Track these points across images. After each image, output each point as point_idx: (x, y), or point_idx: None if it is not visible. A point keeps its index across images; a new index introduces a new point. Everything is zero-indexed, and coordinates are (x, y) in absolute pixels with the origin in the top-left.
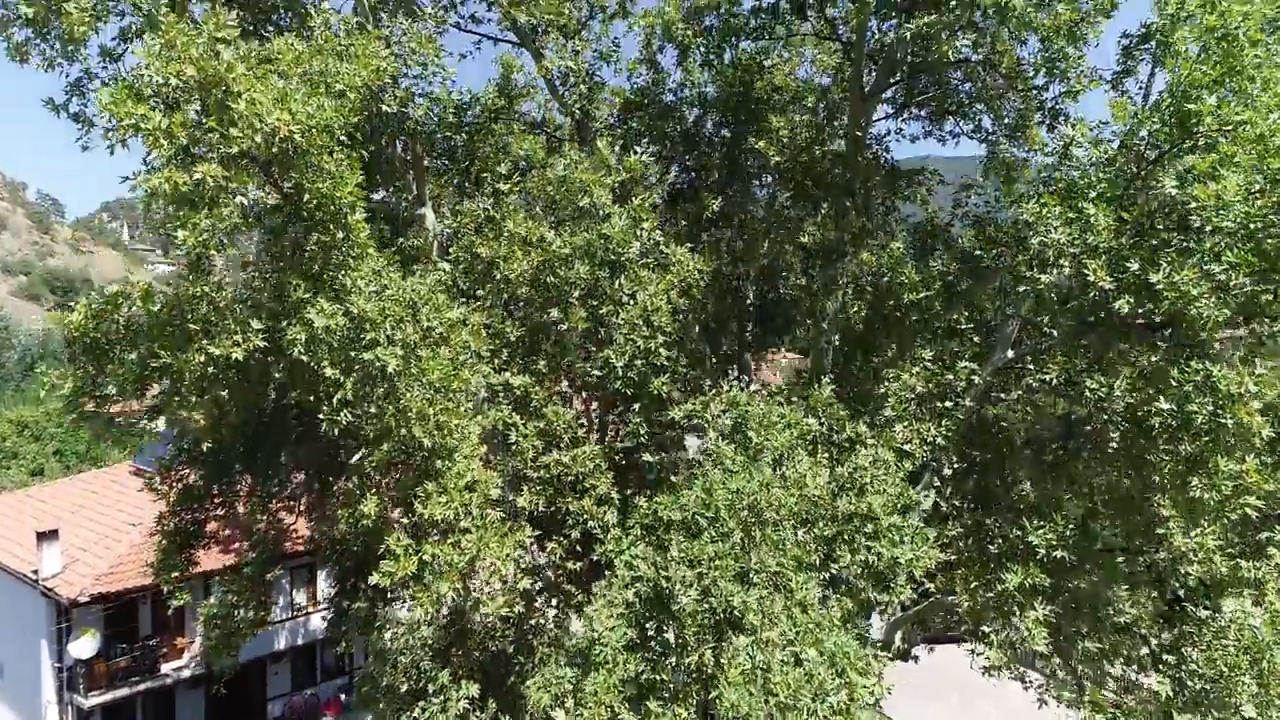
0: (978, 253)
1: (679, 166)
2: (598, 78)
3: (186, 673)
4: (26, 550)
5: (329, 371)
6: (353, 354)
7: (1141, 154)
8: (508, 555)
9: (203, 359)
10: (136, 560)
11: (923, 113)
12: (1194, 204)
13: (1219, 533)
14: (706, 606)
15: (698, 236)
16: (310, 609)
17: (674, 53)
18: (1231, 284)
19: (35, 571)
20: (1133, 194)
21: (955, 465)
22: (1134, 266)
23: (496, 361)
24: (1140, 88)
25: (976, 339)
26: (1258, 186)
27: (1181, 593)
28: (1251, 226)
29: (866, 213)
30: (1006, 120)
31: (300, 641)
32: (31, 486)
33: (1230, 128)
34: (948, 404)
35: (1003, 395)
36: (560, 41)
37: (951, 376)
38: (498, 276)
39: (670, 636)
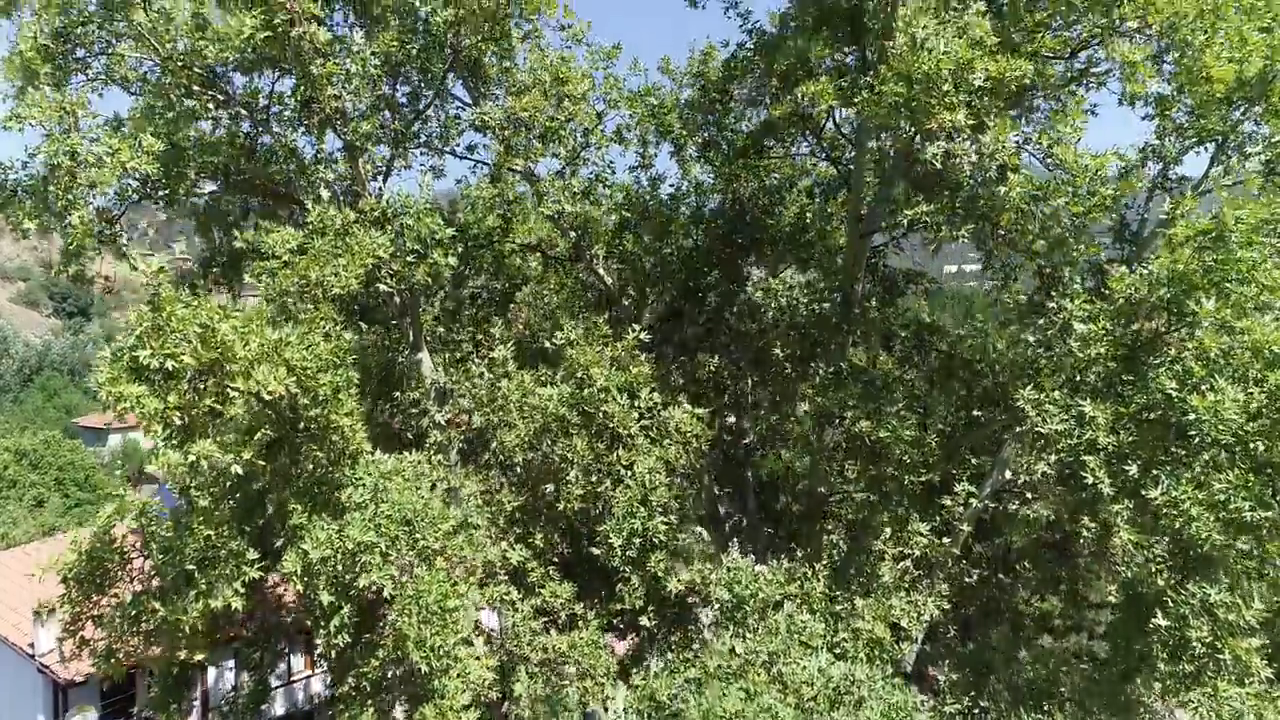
0: (976, 414)
1: (674, 290)
2: (594, 196)
3: None
4: (23, 616)
5: (325, 598)
6: (349, 578)
7: (1138, 335)
8: None
9: (200, 609)
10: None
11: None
12: (1191, 414)
13: None
14: None
15: (695, 394)
16: (310, 673)
17: (669, 145)
18: (1230, 504)
19: (32, 645)
20: (1129, 383)
21: (950, 630)
22: (1132, 470)
23: (494, 530)
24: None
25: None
26: (1255, 404)
27: None
28: (1250, 445)
29: (864, 378)
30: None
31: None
32: (31, 544)
33: (1226, 334)
34: (943, 542)
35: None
36: (555, 171)
37: (950, 503)
38: (494, 445)
39: None
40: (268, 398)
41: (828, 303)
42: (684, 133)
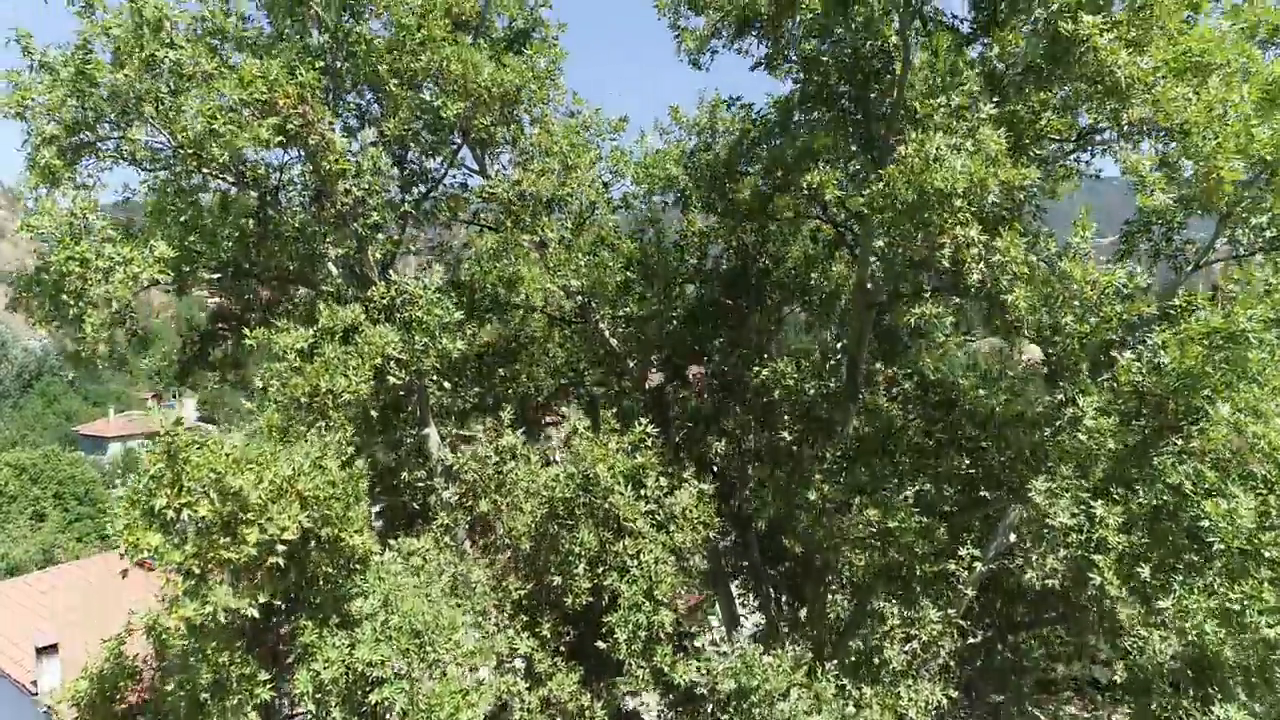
0: (982, 494)
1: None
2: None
3: None
4: (24, 650)
5: (338, 716)
6: (360, 695)
7: (1148, 427)
8: None
9: None
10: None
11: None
12: (1205, 520)
13: None
14: None
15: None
16: None
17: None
18: (1248, 619)
19: (34, 683)
20: (1139, 478)
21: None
22: (1144, 574)
23: (501, 617)
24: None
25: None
26: (1270, 510)
27: None
28: (1266, 554)
29: (870, 466)
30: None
31: None
32: (33, 574)
33: (1237, 434)
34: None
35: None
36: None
37: (954, 567)
38: (500, 531)
39: None
40: (283, 545)
41: (833, 379)
42: (690, 185)
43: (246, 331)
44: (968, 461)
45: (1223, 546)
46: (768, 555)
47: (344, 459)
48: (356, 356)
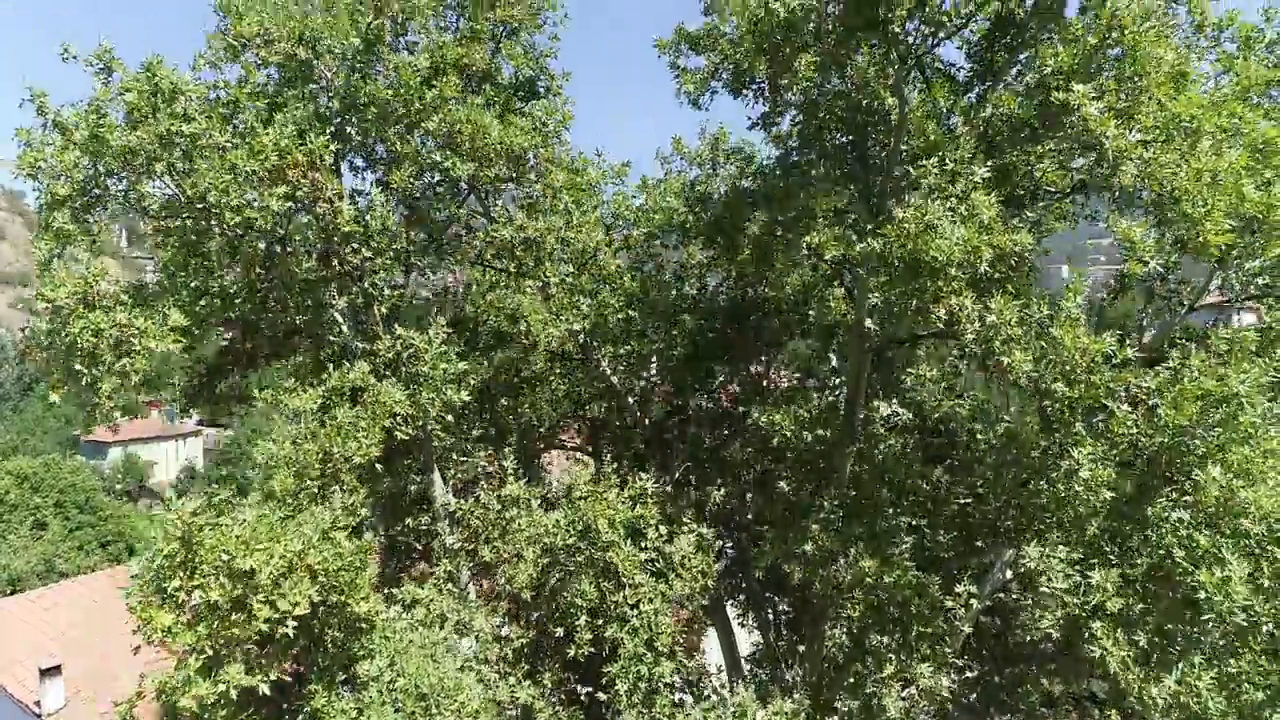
0: (978, 544)
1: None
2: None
3: None
4: (27, 669)
5: None
6: None
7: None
8: None
9: None
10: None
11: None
12: (1201, 592)
13: None
14: None
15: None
16: None
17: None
18: (1244, 692)
19: (38, 704)
20: (1135, 535)
21: None
22: (1141, 641)
23: (502, 665)
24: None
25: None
26: (1266, 581)
27: None
28: (1262, 625)
29: (871, 516)
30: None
31: None
32: (35, 590)
33: (1233, 504)
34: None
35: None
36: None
37: (951, 604)
38: (502, 580)
39: None
40: (294, 622)
41: (830, 429)
42: (691, 220)
43: (257, 393)
44: (964, 503)
45: (1219, 617)
46: (767, 584)
47: (353, 527)
48: (367, 417)
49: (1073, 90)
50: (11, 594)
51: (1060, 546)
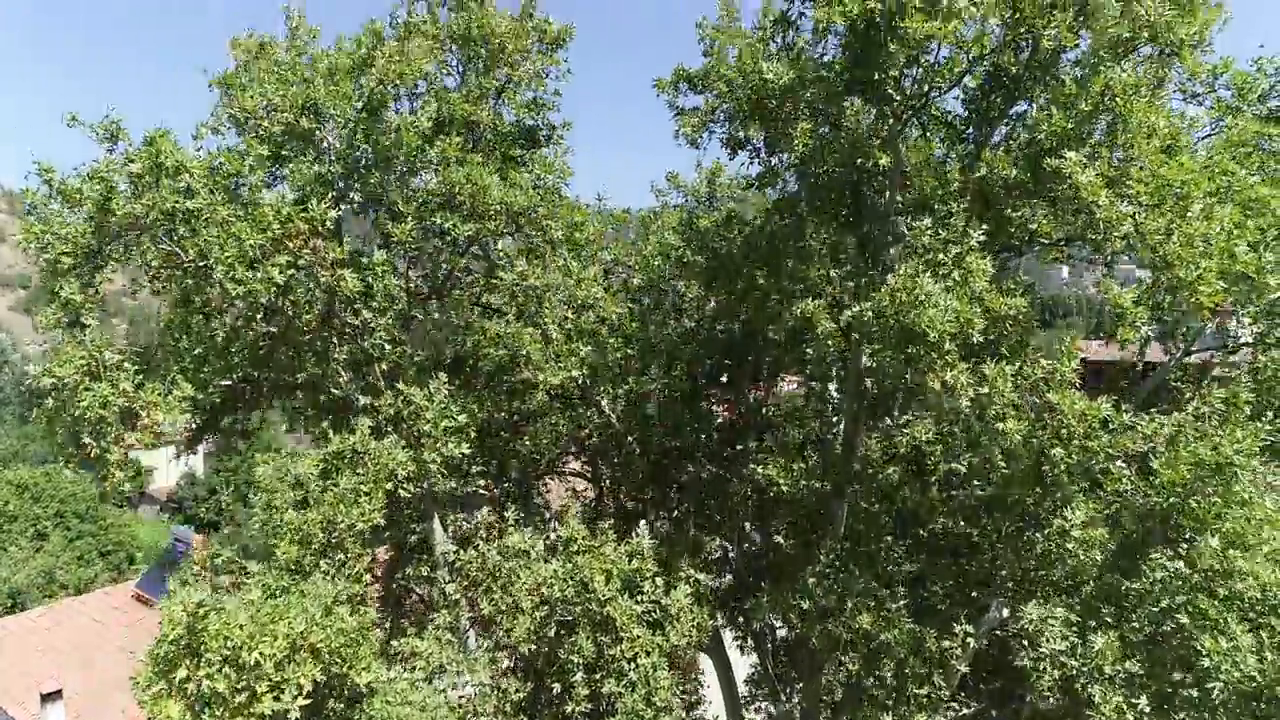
0: (974, 595)
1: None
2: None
3: None
4: (28, 690)
5: None
6: None
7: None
8: None
9: None
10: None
11: None
12: (1206, 660)
13: None
14: None
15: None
16: None
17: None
18: None
19: None
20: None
21: None
22: (1141, 704)
23: (500, 718)
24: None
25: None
26: (1269, 654)
27: None
28: (1262, 698)
29: (867, 568)
30: None
31: None
32: (36, 609)
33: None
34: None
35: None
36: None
37: (949, 644)
38: (499, 633)
39: None
40: (297, 712)
41: (828, 476)
42: (688, 253)
43: (258, 456)
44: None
45: (1225, 686)
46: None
47: (356, 599)
48: (369, 481)
49: (1065, 157)
50: (12, 609)
51: (1058, 609)
